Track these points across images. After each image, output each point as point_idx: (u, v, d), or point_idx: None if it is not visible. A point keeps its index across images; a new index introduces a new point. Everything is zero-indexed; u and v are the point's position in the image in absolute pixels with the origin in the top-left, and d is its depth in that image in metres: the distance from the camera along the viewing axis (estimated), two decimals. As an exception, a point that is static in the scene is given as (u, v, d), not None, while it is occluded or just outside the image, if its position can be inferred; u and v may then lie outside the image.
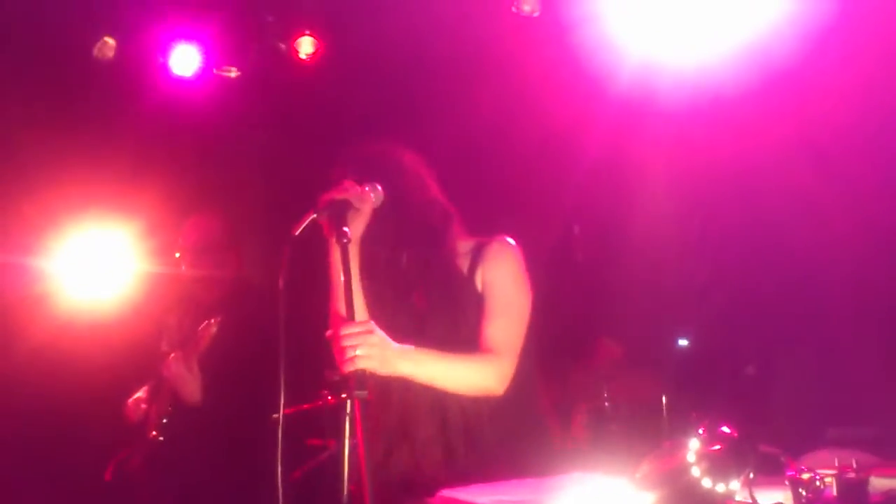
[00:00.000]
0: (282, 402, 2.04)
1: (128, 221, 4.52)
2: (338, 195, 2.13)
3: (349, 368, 1.98)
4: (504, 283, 2.33)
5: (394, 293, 2.34)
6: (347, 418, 1.90)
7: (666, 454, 1.47)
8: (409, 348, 2.15)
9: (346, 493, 1.94)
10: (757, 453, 1.40)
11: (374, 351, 2.02)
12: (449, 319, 2.31)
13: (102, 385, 4.05)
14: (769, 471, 1.57)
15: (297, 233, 2.05)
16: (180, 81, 4.85)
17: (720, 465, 1.37)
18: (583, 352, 4.33)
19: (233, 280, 3.66)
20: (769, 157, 3.93)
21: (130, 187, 4.52)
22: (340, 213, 2.10)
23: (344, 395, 1.93)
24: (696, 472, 1.38)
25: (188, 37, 4.83)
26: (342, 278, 2.03)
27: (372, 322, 2.08)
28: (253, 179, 4.93)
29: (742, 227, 4.20)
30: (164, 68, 4.84)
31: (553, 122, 4.08)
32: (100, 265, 4.55)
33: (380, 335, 2.07)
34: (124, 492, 3.63)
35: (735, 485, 1.38)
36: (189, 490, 3.49)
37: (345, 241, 2.06)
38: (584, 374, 4.29)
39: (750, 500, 1.41)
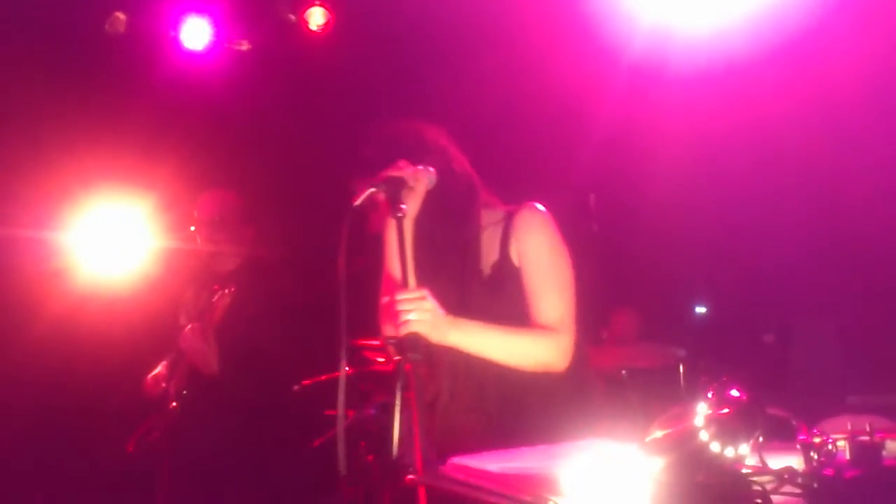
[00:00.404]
0: (342, 374, 2.03)
1: (143, 195, 4.54)
2: (394, 173, 2.19)
3: (402, 331, 2.04)
4: (543, 253, 2.31)
5: (433, 269, 2.34)
6: (399, 379, 1.96)
7: (674, 419, 1.46)
8: (461, 319, 2.19)
9: (395, 452, 1.96)
10: (765, 416, 1.39)
11: (427, 316, 2.07)
12: (486, 293, 2.31)
13: (122, 358, 4.10)
14: (781, 435, 1.56)
15: (356, 204, 2.10)
16: (191, 55, 4.85)
17: (728, 428, 1.36)
18: (600, 321, 4.32)
19: (248, 253, 3.67)
20: (785, 123, 3.87)
21: (145, 161, 4.53)
22: (396, 189, 2.16)
23: (397, 357, 2.02)
24: (704, 436, 1.37)
25: (199, 10, 4.83)
26: (397, 251, 2.12)
27: (426, 291, 2.12)
28: (265, 152, 4.93)
29: (760, 194, 4.15)
30: (176, 42, 4.85)
31: (566, 90, 4.04)
32: (117, 240, 4.58)
33: (433, 303, 2.11)
34: (146, 463, 3.67)
35: (744, 449, 1.37)
36: (209, 460, 3.52)
37: (400, 215, 2.12)
38: (601, 344, 4.28)
39: (760, 464, 1.40)
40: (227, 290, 3.31)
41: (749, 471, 1.38)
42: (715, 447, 1.37)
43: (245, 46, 4.94)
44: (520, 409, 2.30)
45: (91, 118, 4.52)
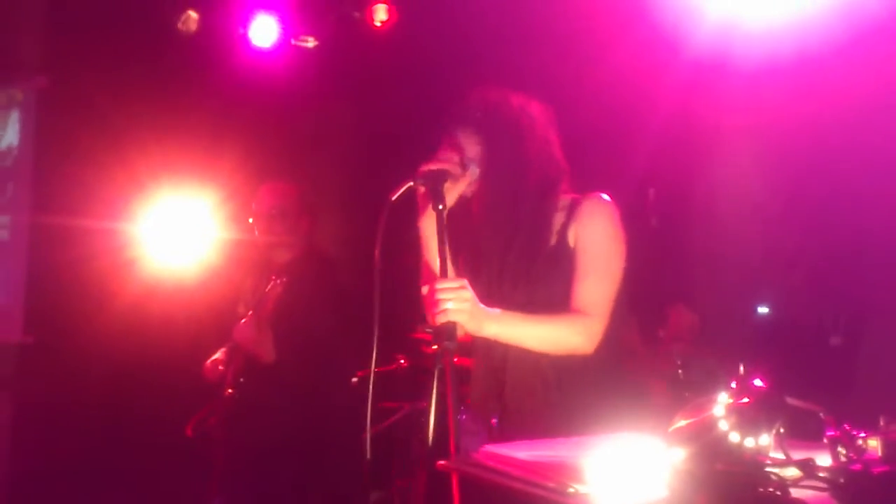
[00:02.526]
0: (373, 365, 2.13)
1: (210, 188, 4.67)
2: (434, 166, 2.21)
3: (440, 320, 2.07)
4: (597, 240, 2.32)
5: (488, 250, 2.39)
6: (437, 367, 2.01)
7: (697, 409, 1.44)
8: (497, 311, 2.21)
9: (430, 439, 2.01)
10: (786, 407, 1.36)
11: (465, 306, 2.10)
12: (542, 276, 2.33)
13: (186, 345, 4.22)
14: (809, 430, 1.52)
15: (394, 199, 2.13)
16: (259, 52, 4.97)
17: (749, 418, 1.33)
18: (657, 319, 4.25)
19: (304, 244, 3.73)
20: (853, 117, 3.74)
21: (211, 155, 4.67)
22: (437, 182, 2.19)
23: (434, 346, 2.05)
24: (724, 425, 1.35)
25: (267, 7, 4.95)
26: (437, 243, 2.14)
27: (465, 281, 2.15)
28: (329, 146, 5.02)
29: (827, 189, 4.02)
30: (245, 40, 4.98)
31: (627, 82, 3.98)
32: (183, 231, 4.72)
33: (472, 293, 2.13)
34: (204, 447, 3.77)
35: (765, 439, 1.34)
36: (264, 447, 3.59)
37: (440, 207, 2.15)
38: (657, 342, 4.21)
39: (783, 456, 1.37)
40: (280, 280, 3.37)
41: (769, 462, 1.35)
42: (735, 437, 1.35)
43: (311, 43, 5.04)
44: (562, 399, 2.31)
45: (161, 113, 4.68)
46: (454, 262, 2.34)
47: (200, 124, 4.74)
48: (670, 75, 3.97)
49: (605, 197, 2.39)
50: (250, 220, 3.73)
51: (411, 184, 2.16)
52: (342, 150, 5.02)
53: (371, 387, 2.18)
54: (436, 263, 2.19)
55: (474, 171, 2.31)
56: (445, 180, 2.21)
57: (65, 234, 4.71)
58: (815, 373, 3.99)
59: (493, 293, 2.31)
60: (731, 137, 4.16)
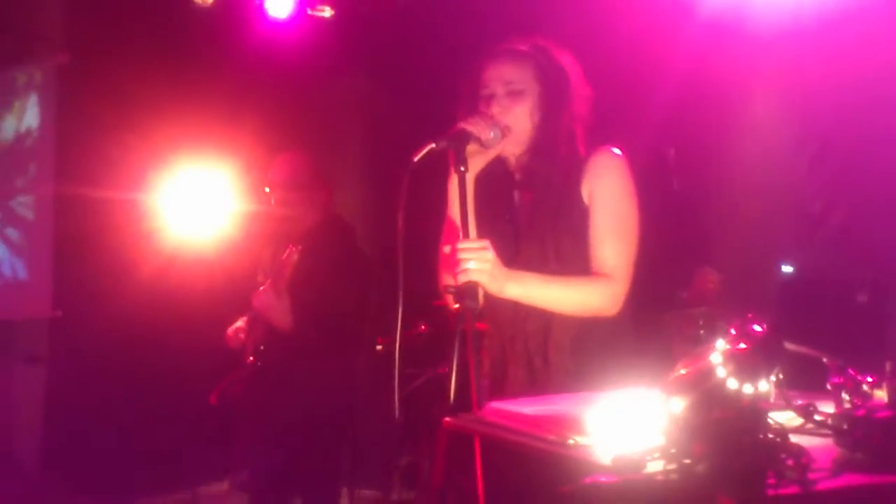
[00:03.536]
0: (398, 329, 2.13)
1: (228, 160, 4.70)
2: (458, 127, 2.20)
3: (462, 280, 2.07)
4: (613, 197, 2.31)
5: (505, 207, 2.40)
6: (458, 328, 2.04)
7: (697, 358, 1.42)
8: (519, 272, 2.22)
9: (452, 398, 2.04)
10: (785, 351, 1.33)
11: (486, 266, 2.10)
12: (559, 233, 2.32)
13: (206, 314, 4.26)
14: (812, 376, 1.49)
15: (416, 160, 2.12)
16: (275, 23, 4.96)
17: (747, 364, 1.30)
18: (679, 281, 4.19)
19: (321, 213, 3.73)
20: (883, 76, 3.64)
21: (230, 127, 4.69)
22: (460, 143, 2.18)
23: (456, 305, 2.07)
24: (721, 372, 1.32)
25: (283, -23, 4.93)
26: (459, 205, 2.15)
27: (487, 242, 2.15)
28: (346, 117, 5.01)
29: (848, 145, 3.93)
30: (261, 11, 4.97)
31: (643, 42, 3.91)
32: (202, 202, 4.75)
33: (493, 254, 2.14)
34: (229, 416, 3.82)
35: (764, 385, 1.31)
36: (288, 414, 3.61)
37: (462, 169, 2.15)
38: (680, 304, 4.16)
39: (783, 402, 1.34)
40: (295, 248, 3.37)
41: (769, 408, 1.32)
42: (732, 384, 1.32)
43: (327, 13, 5.02)
44: (573, 356, 2.31)
45: (179, 86, 4.71)
46: (483, 221, 2.34)
47: (218, 96, 4.76)
48: (689, 34, 3.90)
49: (616, 151, 2.37)
50: (266, 190, 3.74)
51: (433, 145, 2.14)
52: (359, 120, 5.01)
53: (398, 351, 2.16)
54: (458, 224, 2.19)
55: (497, 136, 2.28)
56: (468, 142, 2.19)
57: (88, 207, 4.77)
58: (841, 331, 3.92)
59: (513, 250, 2.31)
60: (753, 96, 4.07)
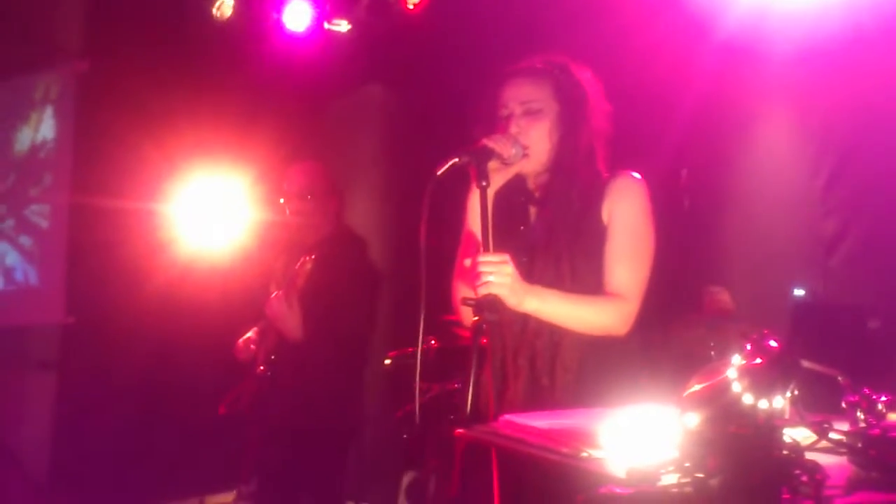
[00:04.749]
0: (419, 342, 2.16)
1: (243, 169, 4.73)
2: (481, 143, 2.24)
3: (481, 292, 2.09)
4: (630, 221, 2.34)
5: (522, 224, 2.43)
6: (476, 339, 2.04)
7: (711, 372, 1.42)
8: (537, 287, 2.24)
9: (469, 409, 2.02)
10: (801, 368, 1.33)
11: (506, 280, 2.12)
12: (576, 252, 2.34)
13: (219, 324, 4.28)
14: (827, 395, 1.49)
15: (439, 173, 2.15)
16: (293, 37, 5.01)
17: (762, 380, 1.31)
18: (690, 302, 4.18)
19: (334, 223, 3.75)
20: (889, 100, 3.64)
21: (246, 138, 4.72)
22: (483, 159, 2.21)
23: (475, 318, 2.08)
24: (737, 387, 1.33)
25: (301, -9, 4.97)
26: (480, 219, 2.18)
27: (507, 256, 2.17)
28: (360, 128, 5.04)
29: (861, 170, 3.93)
30: (279, 24, 5.02)
31: (657, 62, 3.93)
32: (217, 212, 4.78)
33: (513, 269, 2.16)
34: (238, 426, 3.82)
35: (779, 401, 1.32)
36: (297, 425, 3.61)
37: (483, 184, 2.17)
38: (690, 325, 4.15)
39: (797, 418, 1.34)
40: (308, 258, 3.39)
41: (784, 424, 1.33)
42: (748, 399, 1.32)
43: (344, 27, 5.05)
44: (579, 377, 2.31)
45: (196, 97, 4.75)
46: (500, 237, 2.35)
47: (235, 108, 4.80)
48: (704, 54, 3.91)
49: (637, 175, 2.41)
50: (281, 201, 3.76)
51: (456, 160, 2.18)
52: (374, 134, 5.04)
53: (419, 363, 2.20)
54: (479, 239, 2.23)
55: (518, 154, 2.31)
56: (490, 158, 2.23)
57: (103, 216, 4.81)
58: (853, 356, 3.90)
59: (528, 268, 2.32)
60: (766, 117, 4.08)
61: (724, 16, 3.89)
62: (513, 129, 2.34)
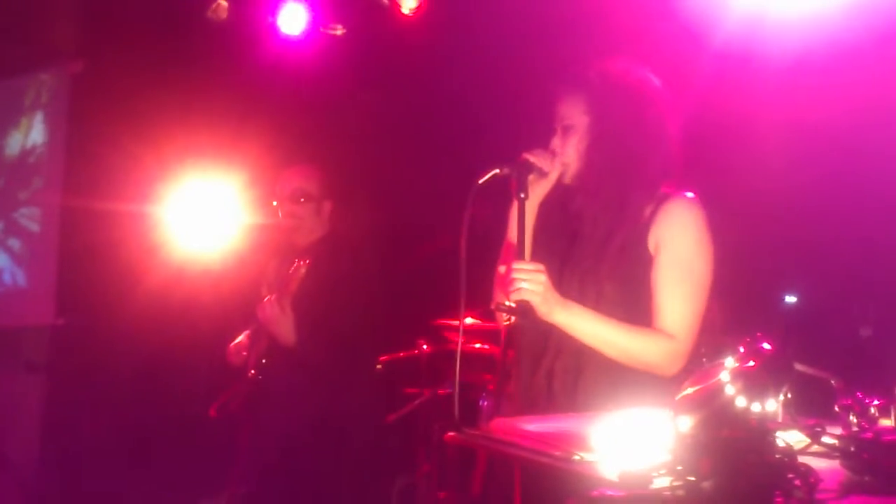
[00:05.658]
0: (458, 352, 2.13)
1: (236, 173, 4.71)
2: (522, 157, 2.28)
3: (514, 298, 2.13)
4: (682, 251, 2.23)
5: (556, 238, 2.41)
6: (505, 343, 2.15)
7: (704, 376, 1.42)
8: (571, 302, 2.21)
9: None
10: (794, 371, 1.33)
11: (539, 288, 2.13)
12: (598, 274, 2.28)
13: (211, 328, 4.27)
14: (819, 398, 1.49)
15: (480, 182, 2.20)
16: (288, 40, 5.00)
17: (755, 382, 1.31)
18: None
19: (327, 227, 3.75)
20: (886, 111, 3.66)
21: (239, 141, 4.71)
22: (522, 172, 2.26)
23: (507, 321, 2.16)
24: (730, 390, 1.32)
25: (296, -5, 4.97)
26: (517, 230, 2.22)
27: (542, 266, 2.18)
28: (355, 132, 5.04)
29: (854, 179, 3.94)
30: (273, 28, 5.01)
31: (653, 70, 3.93)
32: (209, 215, 4.77)
33: (547, 279, 2.16)
34: (228, 429, 3.80)
35: (772, 404, 1.32)
36: (288, 429, 3.60)
37: (522, 196, 2.23)
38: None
39: (790, 422, 1.34)
40: (302, 262, 3.39)
41: (776, 427, 1.33)
42: (741, 402, 1.32)
43: (339, 31, 5.05)
44: (604, 404, 2.16)
45: (190, 100, 4.74)
46: (539, 249, 2.37)
47: (229, 111, 4.79)
48: (699, 65, 3.92)
49: (690, 196, 2.30)
50: (274, 204, 3.75)
51: (497, 171, 2.23)
52: (369, 138, 5.03)
53: (457, 369, 2.14)
54: (516, 246, 2.25)
55: (559, 169, 2.34)
56: (531, 172, 2.27)
57: (94, 218, 4.79)
58: (844, 364, 3.90)
59: (559, 280, 2.26)
60: (761, 128, 4.09)
61: (719, 23, 3.91)
62: (554, 143, 2.37)
